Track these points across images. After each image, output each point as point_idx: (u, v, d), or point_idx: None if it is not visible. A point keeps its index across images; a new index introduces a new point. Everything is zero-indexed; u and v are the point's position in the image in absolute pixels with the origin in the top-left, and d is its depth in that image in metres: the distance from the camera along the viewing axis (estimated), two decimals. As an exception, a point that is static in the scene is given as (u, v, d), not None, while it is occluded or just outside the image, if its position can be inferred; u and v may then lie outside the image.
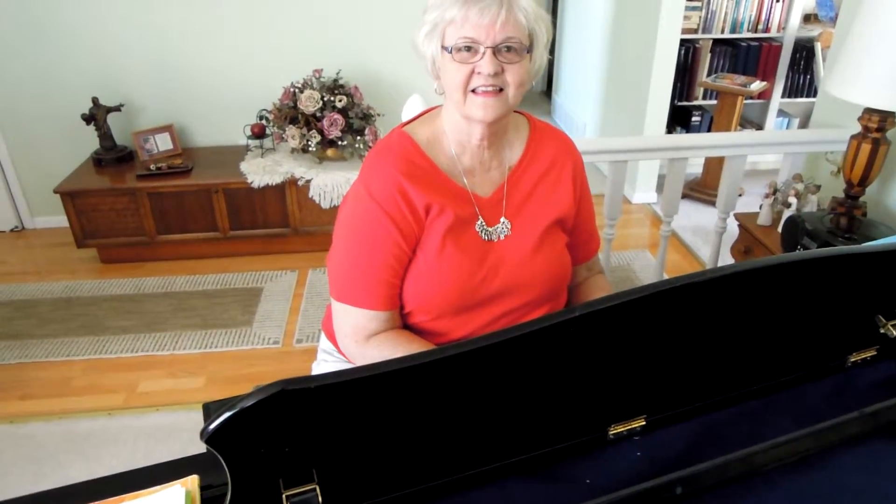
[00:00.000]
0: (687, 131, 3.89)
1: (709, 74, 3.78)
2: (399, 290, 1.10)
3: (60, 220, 3.26)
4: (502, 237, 1.12)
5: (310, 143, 3.03)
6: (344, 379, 0.59)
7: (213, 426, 0.56)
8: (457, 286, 1.08)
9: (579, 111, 4.72)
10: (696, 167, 3.89)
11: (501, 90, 1.02)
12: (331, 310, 1.27)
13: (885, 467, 0.78)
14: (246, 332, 2.65)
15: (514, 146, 1.16)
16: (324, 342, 1.31)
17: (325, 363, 1.30)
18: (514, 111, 1.19)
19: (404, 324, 1.14)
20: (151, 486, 0.71)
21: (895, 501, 0.74)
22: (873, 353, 0.93)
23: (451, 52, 1.00)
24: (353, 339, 1.10)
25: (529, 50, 1.03)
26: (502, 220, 1.13)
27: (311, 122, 3.05)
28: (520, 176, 1.15)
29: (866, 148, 1.86)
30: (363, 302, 1.07)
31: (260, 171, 3.04)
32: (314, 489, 0.63)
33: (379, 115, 3.20)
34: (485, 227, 1.11)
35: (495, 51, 0.98)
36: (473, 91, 1.01)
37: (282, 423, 0.59)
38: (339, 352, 1.25)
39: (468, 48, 0.99)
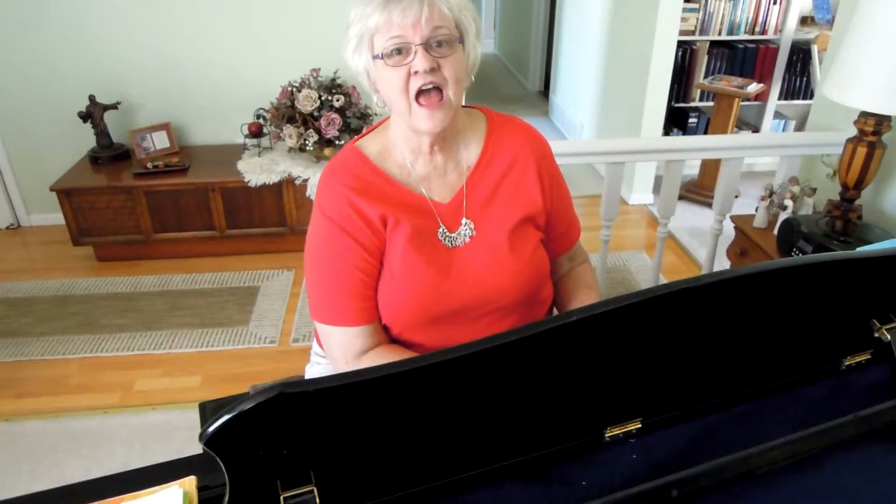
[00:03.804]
0: (684, 133, 3.90)
1: (706, 76, 3.79)
2: (375, 303, 1.08)
3: (56, 218, 3.26)
4: (467, 240, 1.09)
5: (307, 142, 3.03)
6: (343, 382, 0.59)
7: (211, 429, 0.56)
8: (425, 296, 1.06)
9: (576, 112, 4.73)
10: (692, 168, 3.90)
11: (442, 96, 0.99)
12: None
13: (879, 470, 0.79)
14: (242, 331, 2.65)
15: (470, 145, 1.13)
16: (316, 346, 1.31)
17: (318, 366, 1.30)
18: (472, 107, 1.17)
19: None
20: (149, 487, 0.71)
21: (888, 504, 0.75)
22: (867, 356, 0.94)
23: (382, 59, 0.98)
24: (343, 361, 1.08)
25: (461, 41, 1.01)
26: (463, 220, 1.10)
27: (308, 121, 3.04)
28: (479, 177, 1.11)
29: (862, 151, 1.87)
30: (341, 319, 1.06)
31: (257, 170, 3.04)
32: (312, 491, 0.63)
33: (376, 114, 3.20)
34: (447, 233, 1.09)
35: (427, 47, 0.96)
36: (417, 101, 0.99)
37: (280, 426, 0.60)
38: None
39: (398, 50, 0.97)
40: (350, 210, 1.04)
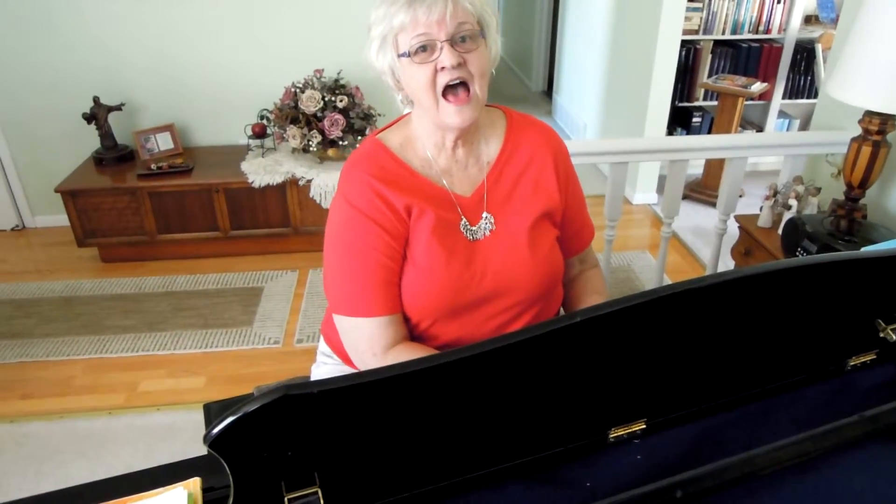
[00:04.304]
0: (687, 132, 3.89)
1: (709, 75, 3.78)
2: (399, 292, 1.09)
3: (61, 219, 3.27)
4: (487, 233, 1.11)
5: (310, 142, 3.03)
6: (346, 384, 0.59)
7: (215, 430, 0.56)
8: (447, 287, 1.07)
9: (580, 112, 4.73)
10: (696, 168, 3.90)
11: (469, 91, 1.01)
12: (329, 313, 1.27)
13: (884, 470, 0.79)
14: (246, 331, 2.65)
15: (490, 142, 1.15)
16: (323, 345, 1.31)
17: (325, 366, 1.30)
18: (491, 106, 1.18)
19: None
20: (154, 489, 0.71)
21: (894, 505, 0.75)
22: (873, 356, 0.93)
23: (409, 56, 1.00)
24: (371, 354, 1.07)
25: (483, 35, 1.03)
26: (484, 215, 1.11)
27: (311, 121, 3.05)
28: (500, 172, 1.13)
29: (866, 150, 1.87)
30: (366, 310, 1.06)
31: (261, 171, 3.04)
32: (316, 492, 0.64)
33: (380, 115, 3.20)
34: (469, 226, 1.10)
35: (452, 42, 0.98)
36: (445, 97, 1.01)
37: (284, 427, 0.60)
38: (338, 355, 1.25)
39: (424, 47, 0.99)
40: (375, 198, 1.05)
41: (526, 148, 1.15)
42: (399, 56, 1.01)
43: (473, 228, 1.10)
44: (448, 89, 1.00)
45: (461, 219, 1.10)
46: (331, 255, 1.10)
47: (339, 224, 1.08)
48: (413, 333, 1.12)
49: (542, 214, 1.14)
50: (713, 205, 3.62)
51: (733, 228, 2.43)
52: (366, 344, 1.08)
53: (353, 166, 1.09)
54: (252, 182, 3.01)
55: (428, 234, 1.06)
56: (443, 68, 0.99)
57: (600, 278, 1.31)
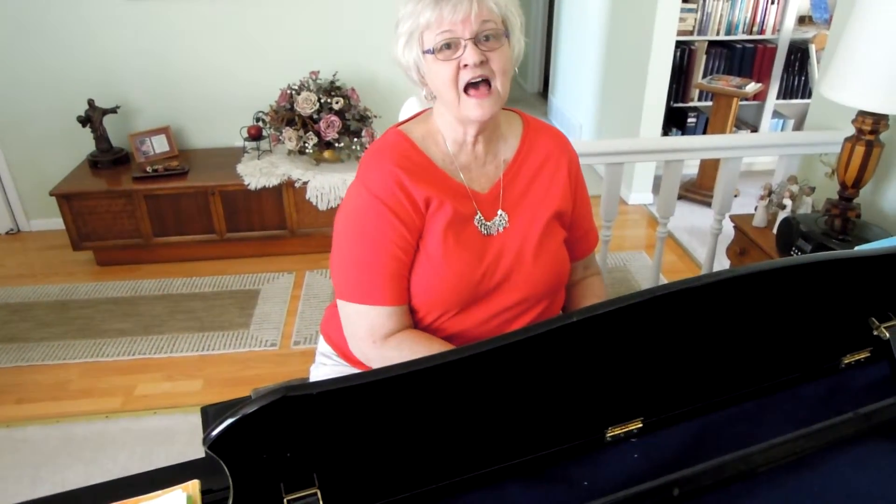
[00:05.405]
0: (683, 133, 3.90)
1: (704, 76, 3.79)
2: (408, 284, 1.10)
3: (56, 223, 3.26)
4: (501, 230, 1.13)
5: (306, 144, 3.03)
6: (345, 385, 0.60)
7: (215, 432, 0.56)
8: (459, 281, 1.08)
9: (575, 112, 4.74)
10: (691, 168, 3.91)
11: (490, 87, 1.03)
12: (329, 313, 1.28)
13: (879, 467, 0.79)
14: (243, 334, 2.65)
15: (508, 141, 1.18)
16: (322, 345, 1.31)
17: (324, 366, 1.30)
18: (507, 109, 1.21)
19: None
20: (152, 491, 0.71)
21: (889, 501, 0.75)
22: (867, 354, 0.94)
23: (433, 53, 1.02)
24: (370, 341, 1.09)
25: (507, 35, 1.05)
26: (499, 212, 1.14)
27: (307, 123, 3.05)
28: (516, 171, 1.16)
29: (860, 150, 1.88)
30: (374, 298, 1.07)
31: (257, 173, 3.04)
32: (315, 493, 0.64)
33: (376, 116, 3.21)
34: (483, 221, 1.12)
35: (476, 41, 1.01)
36: (466, 92, 1.03)
37: (283, 429, 0.60)
38: (339, 355, 1.26)
39: (448, 45, 1.01)
40: (396, 189, 1.06)
41: (541, 150, 1.18)
42: (424, 52, 1.04)
43: (488, 224, 1.13)
44: (470, 85, 1.03)
45: (476, 213, 1.12)
46: (342, 240, 1.11)
47: (356, 211, 1.10)
48: (419, 327, 1.13)
49: (554, 215, 1.16)
50: (708, 205, 3.64)
51: (728, 228, 2.44)
52: (366, 331, 1.09)
53: (377, 155, 1.10)
54: (248, 184, 3.00)
55: (443, 226, 1.08)
56: (465, 66, 1.01)
57: (601, 285, 1.34)
